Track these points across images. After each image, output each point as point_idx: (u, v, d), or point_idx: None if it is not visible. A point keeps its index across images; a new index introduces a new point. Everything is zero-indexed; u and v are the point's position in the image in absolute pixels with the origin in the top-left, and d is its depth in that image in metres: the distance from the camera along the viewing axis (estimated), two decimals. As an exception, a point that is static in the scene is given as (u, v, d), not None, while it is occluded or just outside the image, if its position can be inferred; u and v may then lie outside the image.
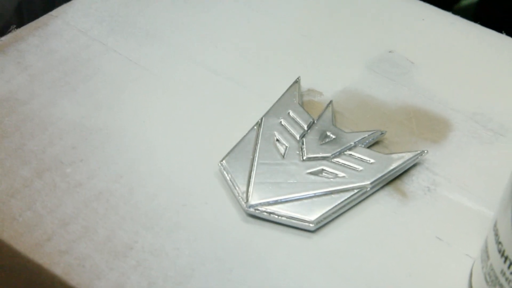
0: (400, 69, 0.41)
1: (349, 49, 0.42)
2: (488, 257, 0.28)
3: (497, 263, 0.27)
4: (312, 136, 0.35)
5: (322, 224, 0.32)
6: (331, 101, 0.38)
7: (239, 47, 0.41)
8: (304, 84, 0.39)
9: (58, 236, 0.30)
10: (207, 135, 0.36)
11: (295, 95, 0.38)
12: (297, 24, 0.43)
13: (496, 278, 0.27)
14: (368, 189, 0.33)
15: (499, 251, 0.27)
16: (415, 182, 0.35)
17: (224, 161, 0.34)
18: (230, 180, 0.33)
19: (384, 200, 0.34)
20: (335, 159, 0.34)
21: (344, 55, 0.41)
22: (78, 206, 0.31)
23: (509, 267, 0.26)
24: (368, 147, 0.36)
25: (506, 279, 0.27)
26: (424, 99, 0.40)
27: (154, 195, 0.32)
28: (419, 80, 0.40)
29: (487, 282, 0.28)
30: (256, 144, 0.35)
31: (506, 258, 0.27)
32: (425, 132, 0.38)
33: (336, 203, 0.32)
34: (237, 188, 0.32)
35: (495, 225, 0.28)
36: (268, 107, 0.37)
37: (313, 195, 0.33)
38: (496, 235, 0.27)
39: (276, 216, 0.32)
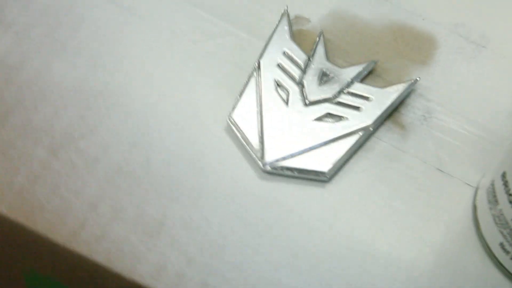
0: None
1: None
2: (497, 202, 0.30)
3: (508, 211, 0.29)
4: (311, 77, 0.35)
5: (334, 172, 0.33)
6: (321, 33, 0.37)
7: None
8: (290, 11, 0.38)
9: (90, 221, 0.30)
10: (209, 84, 0.35)
11: (286, 30, 0.37)
12: None
13: (507, 223, 0.29)
14: (371, 129, 0.34)
15: (510, 202, 0.29)
16: (410, 112, 0.36)
17: (232, 116, 0.34)
18: (242, 137, 0.33)
19: (386, 136, 0.35)
20: (336, 100, 0.35)
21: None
22: (101, 185, 0.31)
23: (520, 218, 0.28)
24: (363, 79, 0.36)
25: (517, 227, 0.29)
26: (407, 14, 0.39)
27: (170, 161, 0.32)
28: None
29: (496, 223, 0.30)
30: (259, 93, 0.34)
31: (518, 210, 0.28)
32: (412, 53, 0.38)
33: (345, 150, 0.33)
34: (250, 145, 0.33)
35: (504, 176, 0.29)
36: (261, 46, 0.37)
37: (322, 143, 0.33)
38: (506, 186, 0.29)
39: (292, 171, 0.32)
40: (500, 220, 0.30)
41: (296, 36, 0.37)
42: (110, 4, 0.37)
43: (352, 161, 0.34)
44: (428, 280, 0.31)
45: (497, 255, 0.31)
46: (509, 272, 0.31)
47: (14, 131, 0.32)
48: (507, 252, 0.30)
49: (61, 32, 0.36)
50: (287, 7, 0.38)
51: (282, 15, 0.37)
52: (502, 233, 0.30)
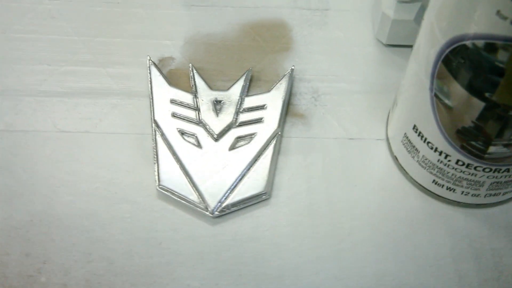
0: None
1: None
2: (417, 150, 0.32)
3: (432, 156, 0.31)
4: (206, 112, 0.35)
5: (271, 187, 0.34)
6: (192, 67, 0.37)
7: (65, 46, 0.38)
8: (152, 57, 0.38)
9: None
10: (123, 163, 0.34)
11: (161, 79, 0.36)
12: None
13: (434, 165, 0.32)
14: (279, 132, 0.35)
15: (431, 148, 0.31)
16: (301, 99, 0.37)
17: (160, 183, 0.33)
18: (179, 198, 0.33)
19: (293, 132, 0.36)
20: (238, 122, 0.35)
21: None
22: (82, 307, 0.30)
23: (446, 157, 0.31)
24: (249, 90, 0.37)
25: (445, 164, 0.31)
26: (251, 10, 0.40)
27: (130, 253, 0.32)
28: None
29: (423, 167, 0.32)
30: (171, 149, 0.34)
31: (440, 152, 0.31)
32: (273, 44, 0.39)
33: (269, 162, 0.34)
34: (190, 201, 0.33)
35: (415, 128, 0.31)
36: (146, 104, 0.36)
37: (248, 166, 0.34)
38: (420, 136, 0.31)
39: (237, 205, 0.33)
40: (426, 164, 0.32)
41: (171, 79, 0.37)
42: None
43: (278, 169, 0.34)
44: (388, 236, 0.33)
45: (433, 190, 0.33)
46: (448, 199, 0.33)
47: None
48: (441, 185, 0.32)
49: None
50: (149, 56, 0.37)
51: (149, 65, 0.37)
52: (431, 173, 0.32)
